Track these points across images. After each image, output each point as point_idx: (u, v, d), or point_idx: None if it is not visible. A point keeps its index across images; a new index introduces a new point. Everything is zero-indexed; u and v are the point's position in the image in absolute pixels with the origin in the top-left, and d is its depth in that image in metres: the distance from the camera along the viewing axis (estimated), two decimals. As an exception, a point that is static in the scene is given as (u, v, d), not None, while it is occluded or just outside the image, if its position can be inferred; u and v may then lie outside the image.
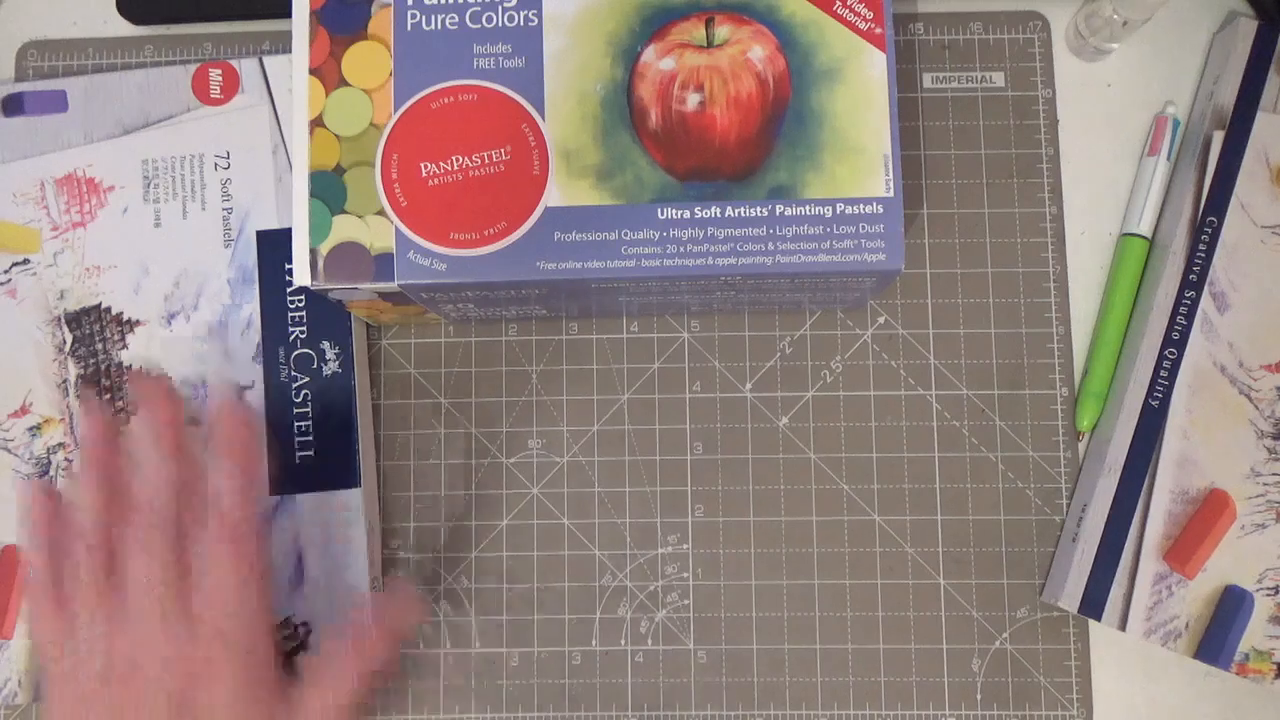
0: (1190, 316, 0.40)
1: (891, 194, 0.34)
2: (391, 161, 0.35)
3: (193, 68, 0.42)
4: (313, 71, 0.35)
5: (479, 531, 0.42)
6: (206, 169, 0.41)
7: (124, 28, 0.45)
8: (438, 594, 0.41)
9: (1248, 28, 0.42)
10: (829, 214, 0.34)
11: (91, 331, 0.42)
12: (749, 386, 0.42)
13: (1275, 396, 0.40)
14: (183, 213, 0.41)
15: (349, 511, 0.40)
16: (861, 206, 0.34)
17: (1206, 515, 0.39)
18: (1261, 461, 0.39)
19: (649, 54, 0.35)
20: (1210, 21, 0.44)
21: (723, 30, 0.35)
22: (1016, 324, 0.42)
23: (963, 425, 0.42)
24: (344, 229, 0.34)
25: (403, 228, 0.34)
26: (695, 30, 0.35)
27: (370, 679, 0.36)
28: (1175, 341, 0.40)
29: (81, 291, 0.41)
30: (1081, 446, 0.42)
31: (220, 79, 0.42)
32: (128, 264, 0.42)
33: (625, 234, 0.34)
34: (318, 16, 0.35)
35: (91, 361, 0.42)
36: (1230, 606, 0.39)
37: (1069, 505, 0.41)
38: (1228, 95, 0.41)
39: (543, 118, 0.35)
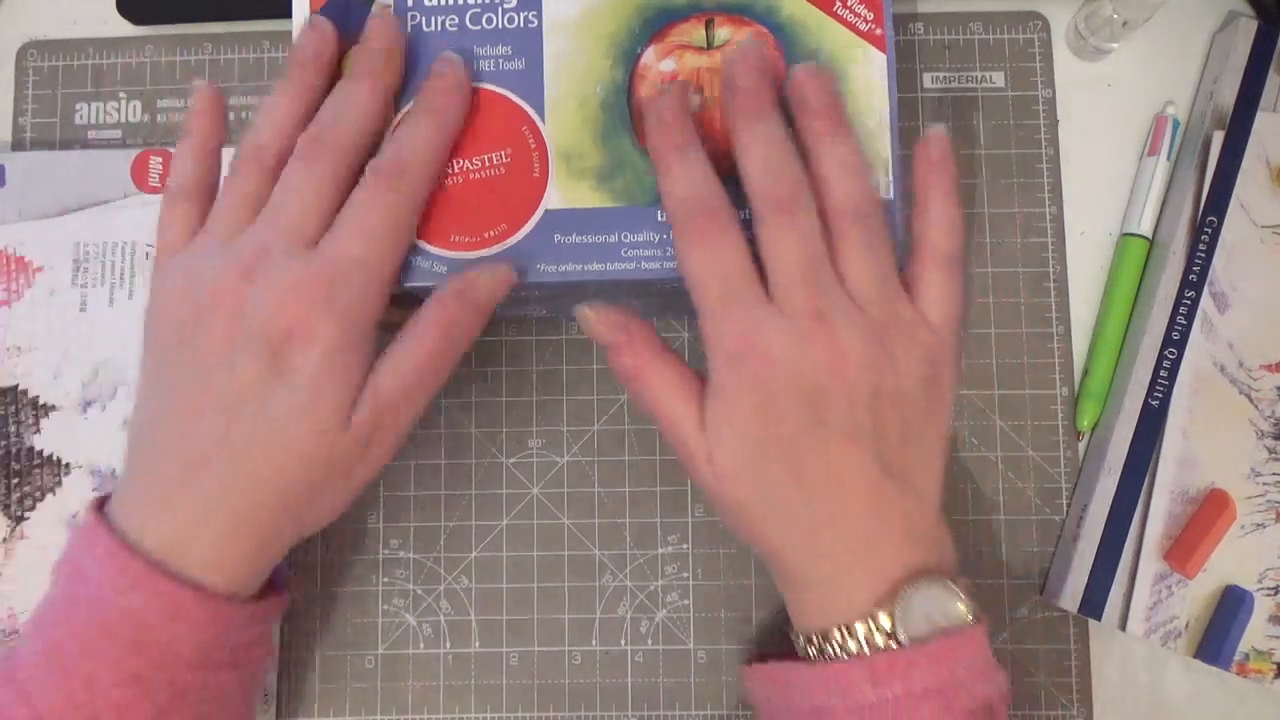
0: (1190, 316, 0.40)
1: (891, 194, 0.34)
2: (391, 163, 0.34)
3: (134, 153, 0.41)
4: (313, 73, 0.35)
5: (479, 531, 0.42)
6: (137, 258, 0.40)
7: (124, 28, 0.44)
8: (438, 594, 0.41)
9: (1248, 28, 0.42)
10: (829, 215, 0.34)
11: (6, 413, 0.41)
12: (749, 387, 0.42)
13: (1275, 396, 0.40)
14: (110, 300, 0.40)
15: None
16: (861, 208, 0.34)
17: (1206, 515, 0.39)
18: (1261, 461, 0.39)
19: (649, 56, 0.35)
20: (1210, 21, 0.44)
21: (723, 31, 0.35)
22: (1016, 324, 0.42)
23: (963, 425, 0.42)
24: (344, 230, 0.34)
25: (403, 229, 0.34)
26: (695, 31, 0.35)
27: (445, 355, 0.34)
28: (1175, 341, 0.40)
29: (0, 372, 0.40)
30: (1081, 446, 0.42)
31: (160, 167, 0.41)
32: (49, 348, 0.41)
33: (625, 236, 0.34)
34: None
35: (2, 444, 0.41)
36: (1230, 606, 0.39)
37: (1069, 505, 0.41)
38: (1228, 95, 0.41)
39: (543, 120, 0.35)
